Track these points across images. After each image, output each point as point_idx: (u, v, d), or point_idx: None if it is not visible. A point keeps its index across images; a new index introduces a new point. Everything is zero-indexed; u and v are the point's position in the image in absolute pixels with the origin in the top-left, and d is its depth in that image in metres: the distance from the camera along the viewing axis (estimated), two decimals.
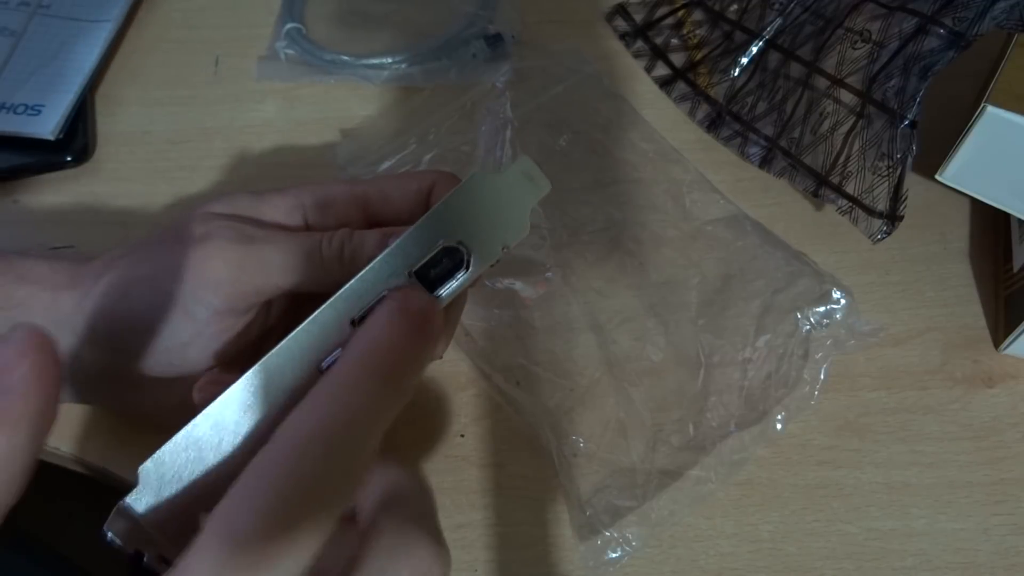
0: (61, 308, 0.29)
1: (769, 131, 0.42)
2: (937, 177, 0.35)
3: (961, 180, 0.35)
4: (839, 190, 0.38)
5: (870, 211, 0.37)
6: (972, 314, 0.38)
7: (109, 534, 0.22)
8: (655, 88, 0.47)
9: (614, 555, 0.31)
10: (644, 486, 0.32)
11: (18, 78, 0.45)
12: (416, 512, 0.22)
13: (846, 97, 0.39)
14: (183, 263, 0.28)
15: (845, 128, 0.39)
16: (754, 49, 0.44)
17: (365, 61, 0.47)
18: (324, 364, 0.24)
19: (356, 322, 0.24)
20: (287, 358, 0.24)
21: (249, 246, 0.28)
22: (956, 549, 0.32)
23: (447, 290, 0.25)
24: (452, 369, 0.36)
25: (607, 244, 0.39)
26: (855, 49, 0.39)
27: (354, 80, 0.46)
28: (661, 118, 0.44)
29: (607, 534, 0.31)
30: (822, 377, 0.34)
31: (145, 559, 0.22)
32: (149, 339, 0.28)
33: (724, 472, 0.33)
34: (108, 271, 0.29)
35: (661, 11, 0.49)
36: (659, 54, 0.48)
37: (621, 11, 0.50)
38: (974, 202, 0.37)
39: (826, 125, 0.39)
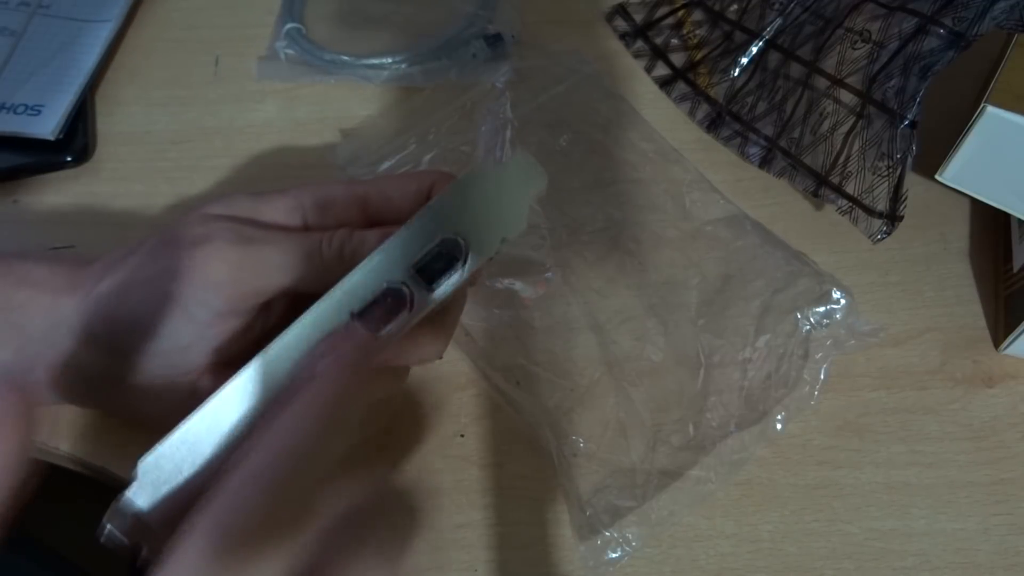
0: (61, 311, 0.29)
1: (769, 131, 0.42)
2: (937, 177, 0.35)
3: (961, 180, 0.35)
4: (839, 190, 0.38)
5: (870, 211, 0.37)
6: (972, 314, 0.38)
7: (108, 527, 0.22)
8: (655, 88, 0.47)
9: (614, 555, 0.31)
10: (644, 486, 0.32)
11: (18, 78, 0.45)
12: (372, 534, 0.22)
13: (846, 97, 0.39)
14: (182, 265, 0.28)
15: (845, 128, 0.39)
16: (754, 49, 0.44)
17: (365, 61, 0.47)
18: None
19: (355, 315, 0.24)
20: (287, 350, 0.24)
21: (248, 247, 0.28)
22: (956, 549, 0.32)
23: (447, 282, 0.25)
24: (452, 369, 0.36)
25: (607, 244, 0.39)
26: (855, 49, 0.39)
27: (354, 80, 0.46)
28: (661, 118, 0.44)
29: (607, 534, 0.31)
30: (822, 377, 0.34)
31: (144, 552, 0.22)
32: (149, 341, 0.28)
33: (724, 472, 0.33)
34: (107, 274, 0.29)
35: (661, 11, 0.49)
36: (659, 54, 0.48)
37: (621, 11, 0.50)
38: (974, 202, 0.37)
39: (826, 125, 0.39)
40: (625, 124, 0.44)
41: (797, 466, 0.34)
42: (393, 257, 0.25)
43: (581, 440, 0.34)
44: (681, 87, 0.46)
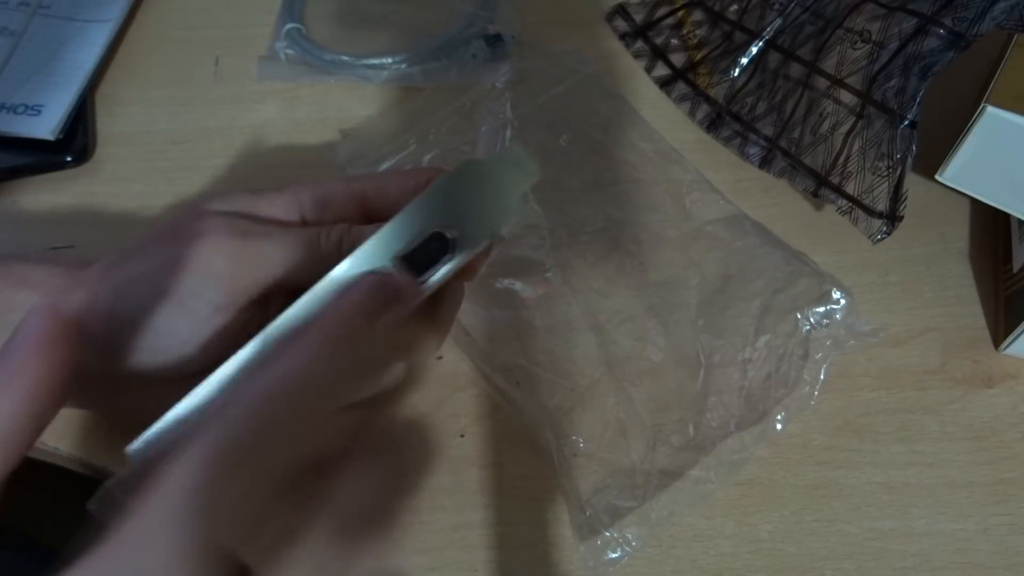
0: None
1: (769, 131, 0.42)
2: (937, 177, 0.35)
3: (961, 180, 0.35)
4: (839, 190, 0.38)
5: (870, 211, 0.37)
6: (972, 314, 0.38)
7: (95, 511, 0.22)
8: (655, 88, 0.47)
9: (614, 555, 0.31)
10: (644, 486, 0.32)
11: (18, 78, 0.45)
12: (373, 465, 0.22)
13: (846, 97, 0.39)
14: (180, 259, 0.27)
15: (845, 128, 0.39)
16: (754, 49, 0.44)
17: (365, 61, 0.47)
18: None
19: None
20: (275, 339, 0.24)
21: (246, 239, 0.28)
22: (956, 549, 0.32)
23: (436, 273, 0.25)
24: (452, 369, 0.36)
25: (607, 244, 0.39)
26: (855, 49, 0.39)
27: (354, 80, 0.46)
28: (661, 118, 0.44)
29: (607, 534, 0.31)
30: (822, 377, 0.34)
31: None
32: (148, 338, 0.28)
33: (724, 472, 0.33)
34: (106, 273, 0.29)
35: (661, 11, 0.49)
36: (659, 54, 0.48)
37: (621, 11, 0.50)
38: (974, 202, 0.37)
39: (826, 125, 0.39)
40: (625, 124, 0.44)
41: (797, 466, 0.34)
42: (382, 247, 0.25)
43: (581, 440, 0.34)
44: (681, 87, 0.46)
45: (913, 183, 0.37)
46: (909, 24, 0.37)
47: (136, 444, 0.23)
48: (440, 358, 0.37)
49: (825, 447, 0.34)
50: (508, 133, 0.41)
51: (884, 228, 0.37)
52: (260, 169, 0.44)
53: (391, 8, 0.50)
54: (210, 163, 0.44)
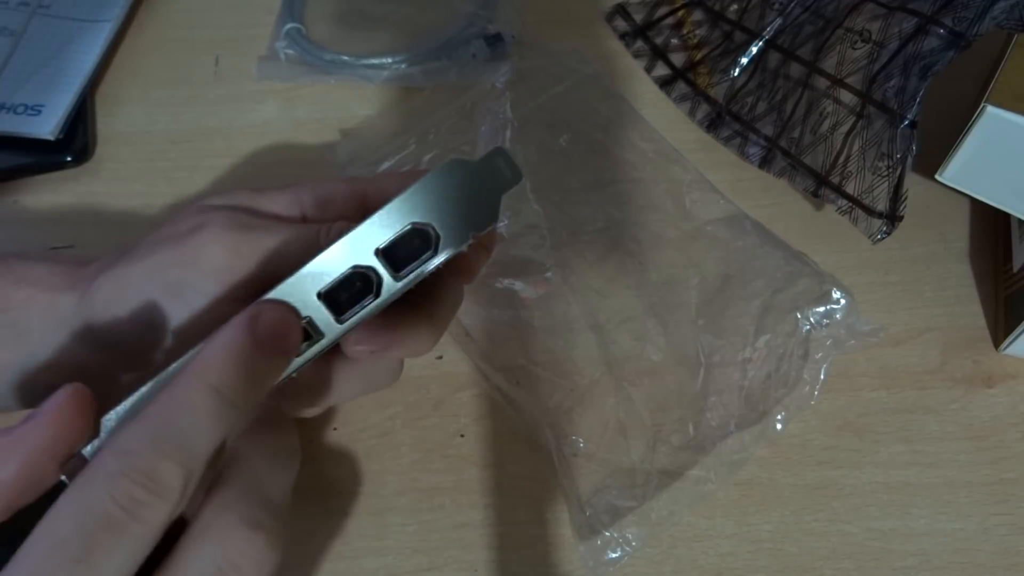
0: (60, 310, 0.29)
1: (769, 131, 0.42)
2: (937, 177, 0.35)
3: (961, 180, 0.35)
4: (839, 190, 0.38)
5: (870, 211, 0.37)
6: (972, 314, 0.38)
7: (65, 479, 0.22)
8: (655, 88, 0.47)
9: (614, 555, 0.31)
10: (644, 486, 0.32)
11: (18, 78, 0.45)
12: (240, 491, 0.23)
13: (846, 97, 0.39)
14: (180, 252, 0.27)
15: (845, 128, 0.39)
16: (754, 49, 0.44)
17: (365, 61, 0.47)
18: None
19: (322, 296, 0.24)
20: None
21: (246, 233, 0.28)
22: (956, 549, 0.32)
23: (413, 271, 0.25)
24: (452, 369, 0.36)
25: (607, 244, 0.39)
26: (855, 49, 0.39)
27: (354, 80, 0.46)
28: (661, 118, 0.44)
29: (607, 534, 0.31)
30: (822, 377, 0.34)
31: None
32: (147, 334, 0.28)
33: (724, 472, 0.33)
34: (106, 271, 0.29)
35: (661, 11, 0.49)
36: (659, 54, 0.48)
37: (621, 11, 0.50)
38: (974, 202, 0.37)
39: (826, 125, 0.39)
40: (625, 124, 0.44)
41: (797, 466, 0.34)
42: (362, 240, 0.25)
43: (581, 440, 0.34)
44: (681, 87, 0.46)
45: (913, 183, 0.37)
46: (909, 24, 0.37)
47: (111, 414, 0.23)
48: (440, 358, 0.37)
49: (825, 447, 0.34)
50: (508, 133, 0.41)
51: (884, 228, 0.37)
52: (260, 169, 0.44)
53: (391, 8, 0.50)
54: (210, 163, 0.44)
